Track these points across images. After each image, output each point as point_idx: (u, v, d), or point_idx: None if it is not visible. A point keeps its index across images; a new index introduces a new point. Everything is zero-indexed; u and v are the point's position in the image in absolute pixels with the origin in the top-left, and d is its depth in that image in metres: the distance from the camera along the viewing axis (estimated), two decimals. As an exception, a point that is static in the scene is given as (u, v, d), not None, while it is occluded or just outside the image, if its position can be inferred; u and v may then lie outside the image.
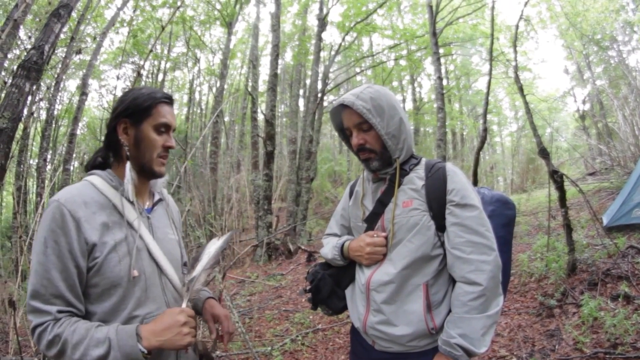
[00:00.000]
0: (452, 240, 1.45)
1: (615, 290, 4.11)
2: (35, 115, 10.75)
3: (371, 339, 1.58)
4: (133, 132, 1.33)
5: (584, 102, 17.84)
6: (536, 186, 14.27)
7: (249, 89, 12.32)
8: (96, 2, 11.52)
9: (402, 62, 16.38)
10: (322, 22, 11.84)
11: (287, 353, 4.21)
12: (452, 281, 1.50)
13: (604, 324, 3.57)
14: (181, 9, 12.09)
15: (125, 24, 12.22)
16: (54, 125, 11.89)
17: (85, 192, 1.24)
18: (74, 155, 11.98)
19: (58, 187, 9.35)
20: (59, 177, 10.39)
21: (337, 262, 1.71)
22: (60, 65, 10.15)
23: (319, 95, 11.72)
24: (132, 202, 1.32)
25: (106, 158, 1.38)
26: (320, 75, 12.18)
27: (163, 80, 17.32)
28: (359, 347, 1.67)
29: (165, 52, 15.83)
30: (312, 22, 15.79)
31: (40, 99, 10.43)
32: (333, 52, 12.91)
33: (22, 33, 7.91)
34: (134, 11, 11.93)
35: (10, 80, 3.34)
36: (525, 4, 6.72)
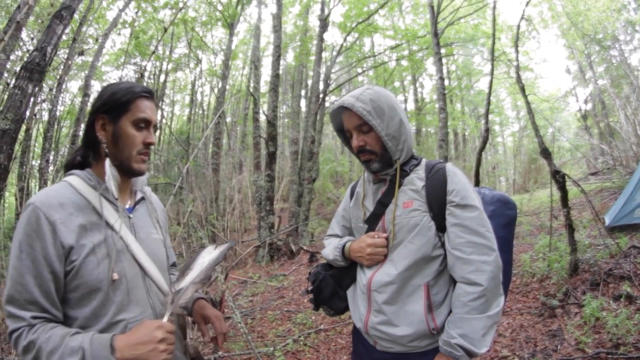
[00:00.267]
0: (452, 240, 1.45)
1: (617, 291, 4.11)
2: (37, 116, 10.77)
3: (372, 340, 1.58)
4: (111, 129, 1.27)
5: (585, 101, 17.81)
6: (538, 186, 14.27)
7: (251, 90, 12.33)
8: (98, 4, 11.54)
9: (404, 63, 16.35)
10: (324, 23, 11.85)
11: (290, 353, 4.22)
12: (453, 282, 1.50)
13: (606, 324, 3.56)
14: (183, 11, 12.10)
15: (127, 25, 12.25)
16: (56, 127, 11.91)
17: (62, 193, 1.20)
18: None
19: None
20: (60, 178, 10.39)
21: (338, 263, 1.72)
22: (62, 67, 10.15)
23: (321, 95, 11.72)
24: (115, 200, 1.27)
25: (85, 157, 1.33)
26: (322, 75, 12.19)
27: (165, 81, 17.38)
28: (361, 347, 1.68)
29: (167, 53, 15.86)
30: (314, 22, 15.85)
31: (43, 100, 10.46)
32: (335, 53, 12.91)
33: (24, 35, 7.95)
34: (136, 12, 11.95)
35: (13, 82, 3.35)
36: (527, 3, 6.70)
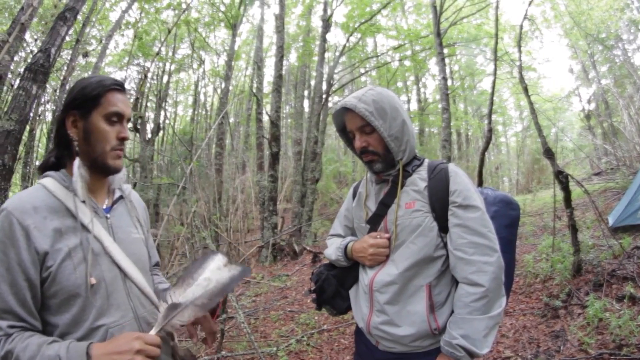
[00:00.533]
0: (454, 241, 1.45)
1: (620, 291, 4.09)
2: (41, 117, 10.83)
3: (375, 339, 1.59)
4: (82, 125, 1.21)
5: (589, 101, 17.71)
6: (541, 186, 14.23)
7: (254, 90, 12.33)
8: (101, 5, 11.59)
9: (407, 63, 16.35)
10: (327, 23, 11.86)
11: (293, 353, 4.23)
12: (455, 282, 1.50)
13: (609, 325, 3.55)
14: (186, 12, 12.12)
15: (130, 27, 12.30)
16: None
17: (35, 196, 1.15)
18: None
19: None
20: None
21: (340, 263, 1.72)
22: (66, 68, 10.19)
23: (324, 96, 11.73)
24: (82, 202, 1.20)
25: (60, 157, 1.26)
26: (325, 76, 12.19)
27: (168, 82, 17.40)
28: (363, 347, 1.68)
29: (170, 54, 15.89)
30: (317, 23, 15.89)
31: (47, 101, 10.53)
32: (337, 53, 12.92)
33: (28, 36, 7.99)
34: (139, 14, 12.00)
35: (17, 83, 3.37)
36: (530, 3, 6.69)
